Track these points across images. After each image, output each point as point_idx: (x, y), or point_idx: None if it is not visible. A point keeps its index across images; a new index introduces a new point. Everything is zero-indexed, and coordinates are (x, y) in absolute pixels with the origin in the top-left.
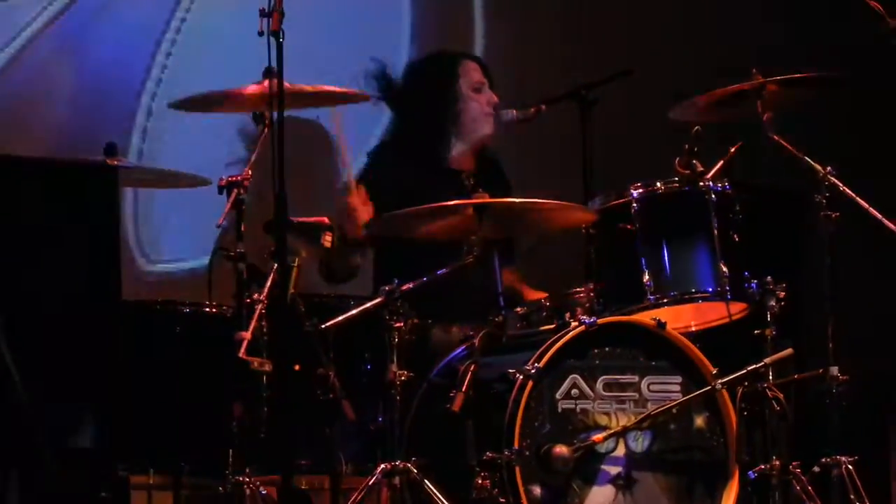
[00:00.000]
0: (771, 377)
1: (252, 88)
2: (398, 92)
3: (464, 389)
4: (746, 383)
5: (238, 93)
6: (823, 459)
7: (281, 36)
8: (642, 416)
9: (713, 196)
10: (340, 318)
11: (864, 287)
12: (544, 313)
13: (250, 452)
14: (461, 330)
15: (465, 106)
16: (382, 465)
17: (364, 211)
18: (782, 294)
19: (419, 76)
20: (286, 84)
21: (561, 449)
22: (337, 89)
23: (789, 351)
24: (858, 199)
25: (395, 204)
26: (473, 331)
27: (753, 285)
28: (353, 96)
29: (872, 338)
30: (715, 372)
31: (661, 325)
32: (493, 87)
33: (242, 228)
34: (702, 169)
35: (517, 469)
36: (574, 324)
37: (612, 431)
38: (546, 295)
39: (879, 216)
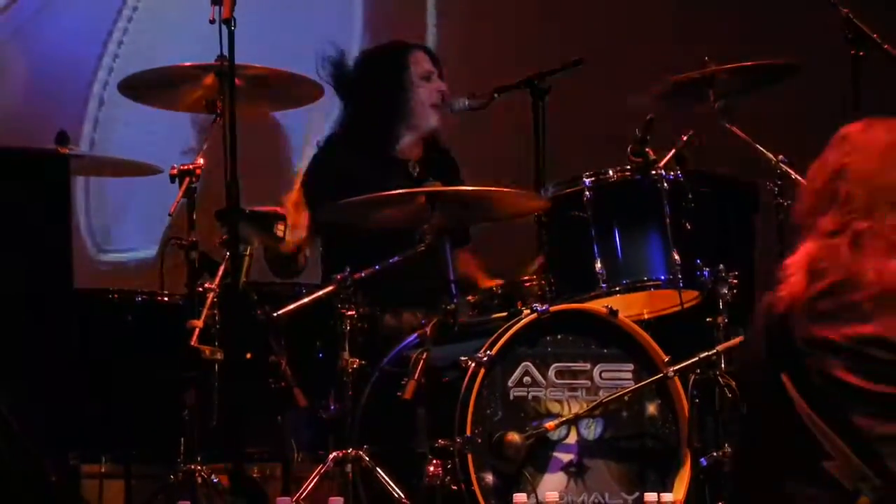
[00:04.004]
0: (723, 365)
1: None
2: (349, 80)
3: (416, 377)
4: (698, 371)
5: (187, 69)
6: None
7: (233, 24)
8: (594, 403)
9: (665, 184)
10: (292, 306)
11: None
12: (496, 301)
13: (202, 441)
14: (413, 318)
15: (413, 95)
16: (334, 453)
17: (297, 232)
18: (734, 282)
19: (369, 65)
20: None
21: (513, 436)
22: (292, 71)
23: (741, 338)
24: None
25: (345, 193)
26: (425, 319)
27: (706, 273)
28: (306, 82)
29: None
30: (667, 359)
31: (614, 312)
32: (443, 77)
33: (194, 217)
34: (654, 157)
35: (469, 456)
36: (526, 311)
37: (564, 419)
38: (500, 282)
39: None
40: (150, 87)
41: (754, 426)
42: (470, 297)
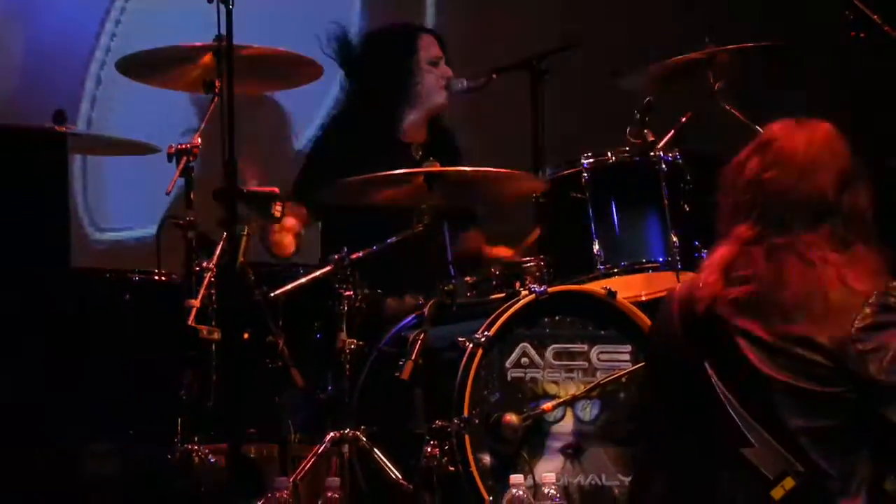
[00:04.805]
0: None
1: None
2: (356, 60)
3: (413, 358)
4: None
5: (185, 48)
6: None
7: (231, 3)
8: (591, 385)
9: (664, 166)
10: (289, 286)
11: None
12: (495, 282)
13: (199, 421)
14: (412, 299)
15: (421, 79)
16: (331, 434)
17: (291, 243)
18: None
19: (378, 47)
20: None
21: (510, 417)
22: (290, 51)
23: None
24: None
25: (346, 174)
26: (423, 299)
27: (704, 255)
28: (305, 62)
29: None
30: None
31: (612, 294)
32: (447, 61)
33: (192, 196)
34: (653, 138)
35: (466, 437)
36: (524, 293)
37: (561, 400)
38: (511, 252)
39: None
40: (147, 66)
41: (667, 416)
42: (468, 278)
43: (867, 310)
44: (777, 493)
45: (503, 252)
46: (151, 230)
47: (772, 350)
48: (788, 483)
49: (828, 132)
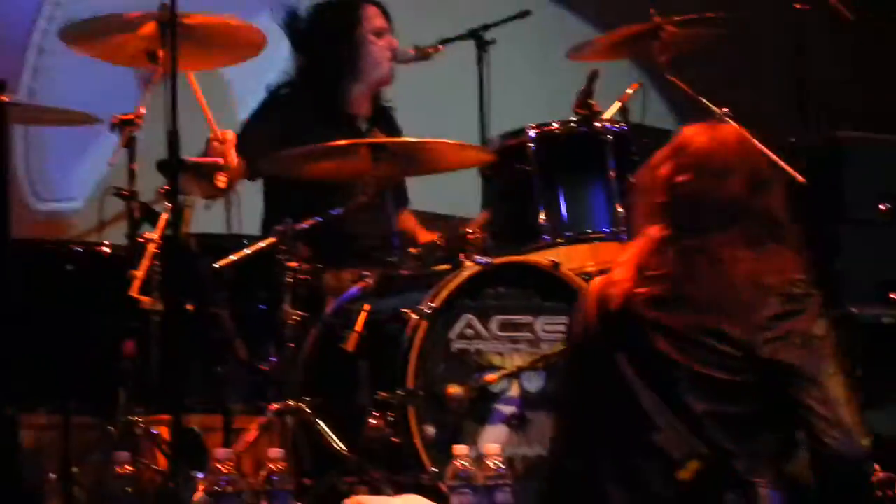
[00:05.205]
0: None
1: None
2: (302, 31)
3: (357, 329)
4: None
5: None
6: None
7: None
8: (536, 356)
9: (610, 137)
10: (233, 257)
11: None
12: (439, 253)
13: (141, 392)
14: (350, 274)
15: (366, 50)
16: (275, 405)
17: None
18: None
19: (321, 19)
20: None
21: (454, 389)
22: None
23: None
24: (753, 139)
25: (289, 145)
26: (368, 271)
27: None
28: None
29: None
30: None
31: (556, 265)
32: (392, 31)
33: (134, 167)
34: (599, 109)
35: (410, 409)
36: (469, 264)
37: (505, 372)
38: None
39: (773, 156)
40: (90, 35)
41: (583, 405)
42: (412, 250)
43: (773, 300)
44: (684, 474)
45: (434, 238)
46: (94, 201)
47: (683, 341)
48: (693, 465)
49: (739, 136)
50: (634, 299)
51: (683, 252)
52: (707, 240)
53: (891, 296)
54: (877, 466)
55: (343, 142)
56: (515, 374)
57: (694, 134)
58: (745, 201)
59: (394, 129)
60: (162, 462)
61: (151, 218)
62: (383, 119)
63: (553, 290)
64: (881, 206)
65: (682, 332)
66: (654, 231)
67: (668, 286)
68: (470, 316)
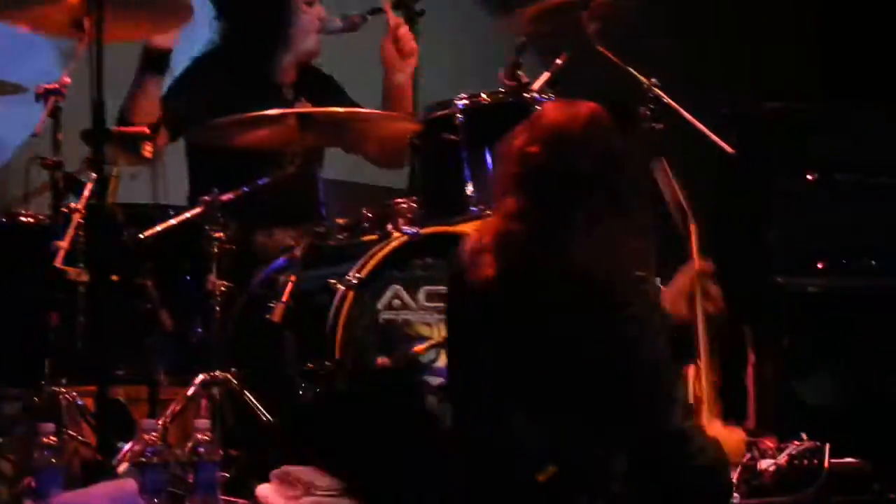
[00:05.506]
0: None
1: None
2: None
3: (284, 300)
4: None
5: None
6: None
7: None
8: None
9: (538, 108)
10: (159, 227)
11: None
12: (367, 224)
13: (66, 362)
14: (284, 236)
15: (296, 19)
16: (201, 376)
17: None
18: None
19: None
20: None
21: (382, 360)
22: None
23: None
24: (682, 110)
25: (215, 114)
26: (295, 241)
27: None
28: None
29: None
30: None
31: None
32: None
33: (59, 137)
34: (527, 80)
35: (338, 380)
36: (396, 234)
37: (433, 342)
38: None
39: (702, 127)
40: (12, 3)
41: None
42: (340, 220)
43: (610, 286)
44: (542, 476)
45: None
46: (18, 171)
47: (530, 323)
48: (551, 470)
49: (595, 112)
50: (488, 275)
51: (533, 225)
52: (556, 214)
53: (818, 265)
54: (804, 435)
55: (271, 112)
56: (443, 345)
57: (550, 108)
58: (590, 177)
59: (331, 94)
60: (88, 433)
61: (76, 188)
62: (314, 86)
63: None
64: (809, 177)
65: (528, 314)
66: (509, 204)
67: (518, 263)
68: (398, 287)
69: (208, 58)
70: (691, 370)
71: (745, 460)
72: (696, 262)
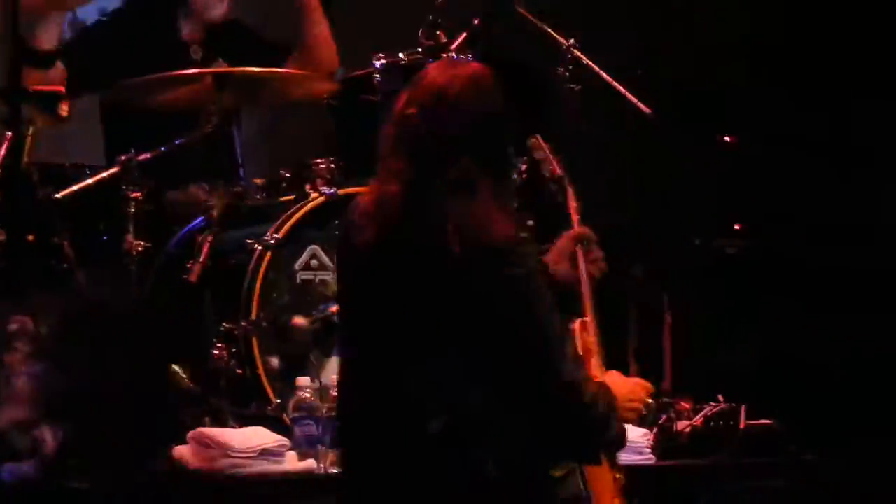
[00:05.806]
0: None
1: None
2: None
3: (201, 260)
4: None
5: None
6: None
7: None
8: None
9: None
10: (75, 187)
11: (602, 158)
12: (285, 184)
13: None
14: (199, 191)
15: None
16: None
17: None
18: (524, 167)
19: None
20: None
21: (299, 320)
22: None
23: (530, 223)
24: (601, 71)
25: (124, 73)
26: (212, 201)
27: None
28: None
29: (607, 201)
30: None
31: None
32: None
33: None
34: (446, 40)
35: (254, 340)
36: (314, 195)
37: None
38: None
39: (621, 88)
40: None
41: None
42: (258, 180)
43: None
44: (433, 429)
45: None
46: None
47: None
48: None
49: (477, 73)
50: (368, 238)
51: (405, 188)
52: (425, 176)
53: (735, 227)
54: (720, 397)
55: (189, 71)
56: None
57: (433, 68)
58: (467, 137)
59: (246, 50)
60: None
61: None
62: (231, 43)
63: None
64: (725, 138)
65: (407, 275)
66: (389, 164)
67: (394, 225)
68: (315, 247)
69: (115, 14)
70: (577, 325)
71: (661, 421)
72: (577, 228)
